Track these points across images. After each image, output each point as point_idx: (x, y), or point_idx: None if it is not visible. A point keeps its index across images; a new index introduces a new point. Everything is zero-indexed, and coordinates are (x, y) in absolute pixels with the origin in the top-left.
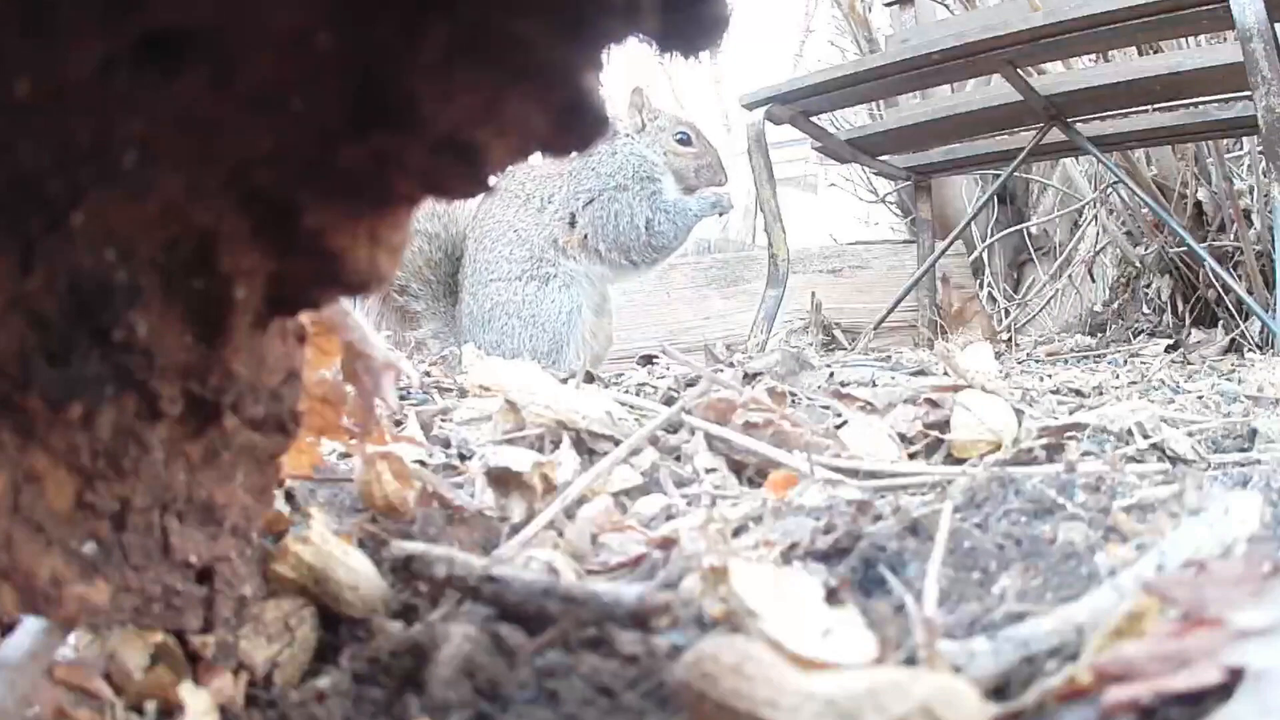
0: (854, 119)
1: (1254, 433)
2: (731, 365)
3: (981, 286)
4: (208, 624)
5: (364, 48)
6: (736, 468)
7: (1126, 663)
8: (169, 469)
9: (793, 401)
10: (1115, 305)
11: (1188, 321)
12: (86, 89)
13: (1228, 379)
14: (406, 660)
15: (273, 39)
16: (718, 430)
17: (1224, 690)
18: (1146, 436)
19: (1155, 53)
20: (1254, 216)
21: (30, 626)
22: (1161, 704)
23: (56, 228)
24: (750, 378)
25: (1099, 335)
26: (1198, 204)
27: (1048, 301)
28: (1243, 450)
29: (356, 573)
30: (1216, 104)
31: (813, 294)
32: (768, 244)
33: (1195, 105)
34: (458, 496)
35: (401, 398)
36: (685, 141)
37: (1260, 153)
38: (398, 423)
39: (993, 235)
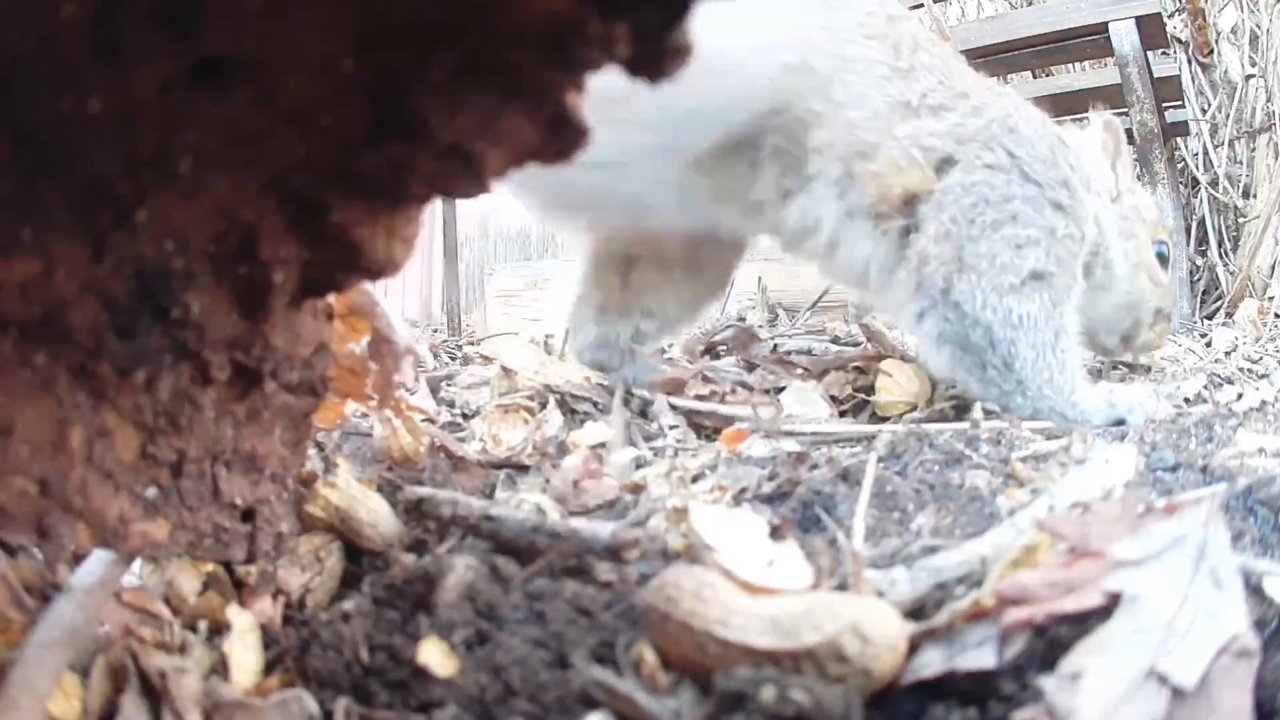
0: None
1: None
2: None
3: None
4: (251, 556)
5: (382, 71)
6: (696, 425)
7: (1023, 588)
8: (218, 425)
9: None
10: None
11: None
12: (149, 106)
13: None
14: (418, 586)
15: (305, 64)
16: (674, 401)
17: (1105, 612)
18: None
19: (1047, 76)
20: None
21: (100, 557)
22: (1052, 623)
23: (124, 223)
24: (710, 349)
25: None
26: None
27: None
28: None
29: (376, 513)
30: None
31: (759, 278)
32: None
33: (1080, 120)
34: (461, 449)
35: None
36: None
37: (1135, 160)
38: (410, 392)
39: None
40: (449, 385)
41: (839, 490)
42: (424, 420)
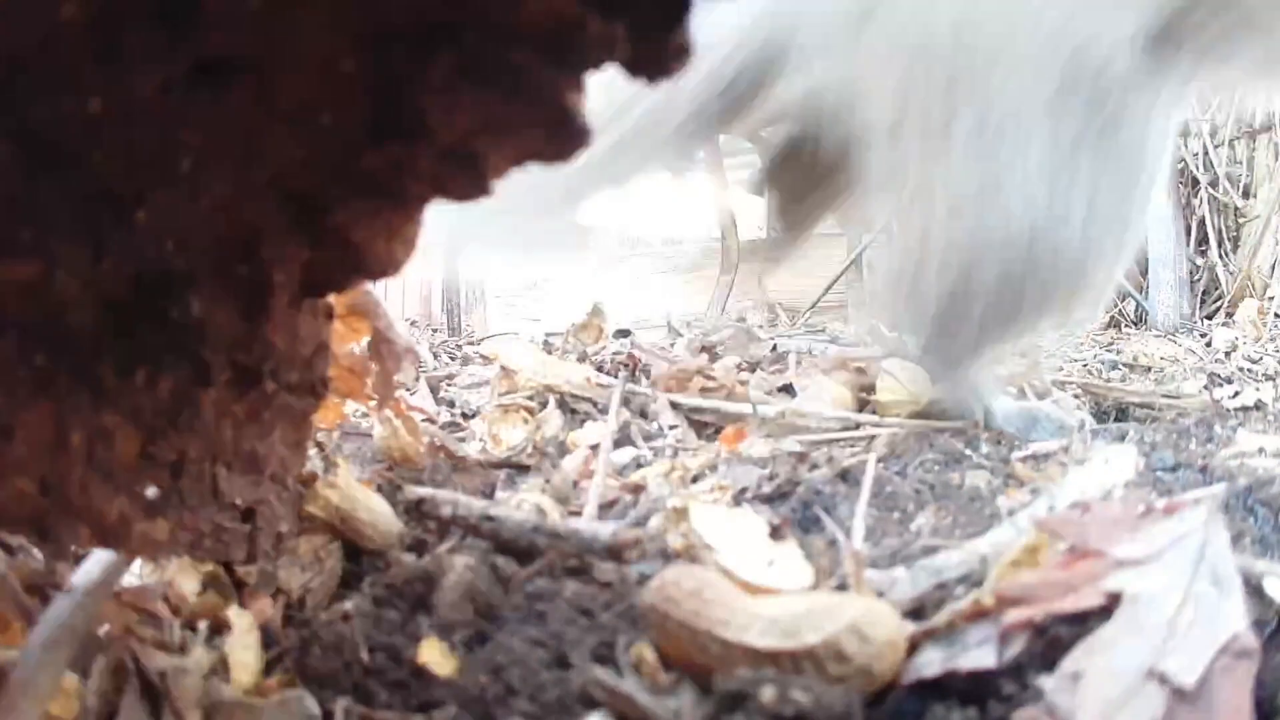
0: None
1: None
2: (683, 335)
3: None
4: (250, 556)
5: (382, 71)
6: (696, 424)
7: (1023, 588)
8: (218, 426)
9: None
10: None
11: None
12: (149, 106)
13: (1108, 350)
14: (418, 586)
15: (306, 64)
16: (673, 398)
17: (1105, 612)
18: (1040, 398)
19: None
20: None
21: (100, 557)
22: (1052, 623)
23: (124, 223)
24: (709, 348)
25: None
26: None
27: None
28: (1120, 409)
29: (376, 513)
30: None
31: (759, 278)
32: (721, 236)
33: None
34: (461, 449)
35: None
36: None
37: None
38: (410, 392)
39: None
40: (449, 385)
41: (839, 490)
42: (424, 420)
